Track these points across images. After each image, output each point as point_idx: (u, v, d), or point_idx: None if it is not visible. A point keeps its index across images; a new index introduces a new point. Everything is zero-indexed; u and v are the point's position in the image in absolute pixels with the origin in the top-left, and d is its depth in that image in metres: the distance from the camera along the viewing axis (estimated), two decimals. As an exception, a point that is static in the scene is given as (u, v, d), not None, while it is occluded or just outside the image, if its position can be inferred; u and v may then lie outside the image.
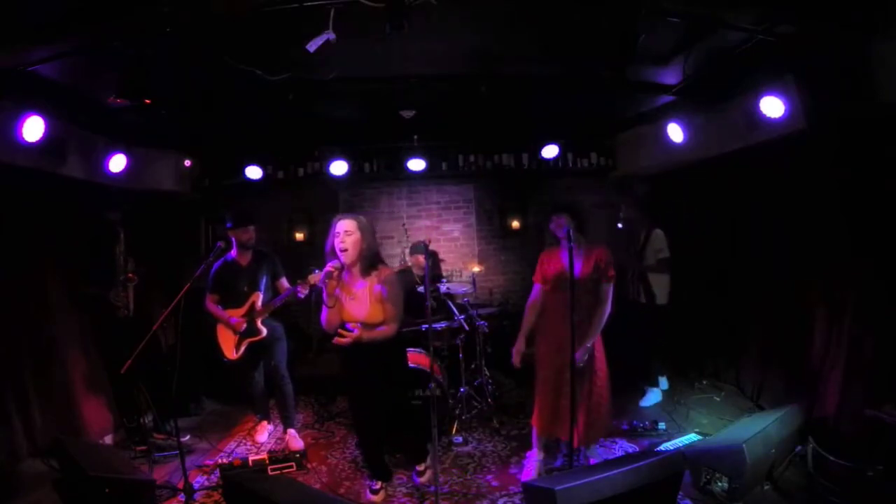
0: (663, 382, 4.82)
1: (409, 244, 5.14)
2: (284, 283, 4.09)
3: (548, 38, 3.45)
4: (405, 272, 4.81)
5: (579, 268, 3.19)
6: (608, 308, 3.20)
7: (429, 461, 3.30)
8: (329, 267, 2.93)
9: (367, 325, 2.99)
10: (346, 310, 3.04)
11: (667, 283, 4.71)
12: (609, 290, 3.21)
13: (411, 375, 3.76)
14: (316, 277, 3.57)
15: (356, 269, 3.03)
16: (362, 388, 3.17)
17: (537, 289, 3.41)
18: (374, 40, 3.01)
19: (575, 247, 3.08)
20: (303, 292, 3.67)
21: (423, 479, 3.37)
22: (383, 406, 3.14)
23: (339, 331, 2.93)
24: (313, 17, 2.75)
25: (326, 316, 3.06)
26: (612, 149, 5.92)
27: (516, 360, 3.36)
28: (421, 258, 4.76)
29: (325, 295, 3.01)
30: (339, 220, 3.01)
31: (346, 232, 2.96)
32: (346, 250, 2.94)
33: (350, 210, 6.20)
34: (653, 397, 4.68)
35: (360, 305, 3.01)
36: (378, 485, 3.27)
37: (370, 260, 3.01)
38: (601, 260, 3.22)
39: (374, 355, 3.01)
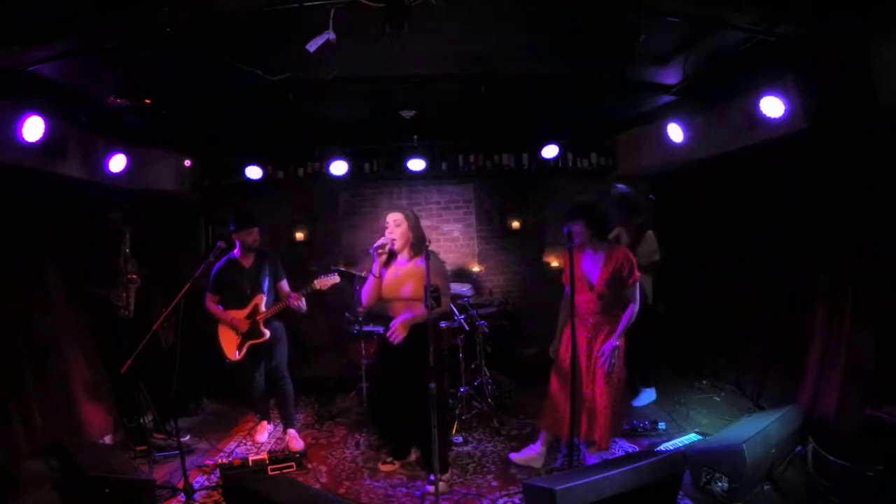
0: (651, 394, 4.79)
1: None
2: (285, 285, 4.08)
3: (548, 38, 3.46)
4: None
5: (598, 273, 3.22)
6: (636, 307, 3.23)
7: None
8: (382, 239, 3.27)
9: (405, 301, 3.26)
10: (389, 288, 3.32)
11: (651, 283, 4.73)
12: (635, 290, 3.22)
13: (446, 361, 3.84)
14: (322, 282, 3.76)
15: (404, 254, 3.34)
16: (399, 374, 3.33)
17: (567, 290, 3.40)
18: (374, 40, 3.01)
19: (591, 252, 3.20)
20: (294, 303, 3.75)
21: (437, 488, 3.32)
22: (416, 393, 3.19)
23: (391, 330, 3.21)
24: (313, 17, 2.76)
25: (369, 287, 3.35)
26: (612, 149, 5.91)
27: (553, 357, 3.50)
28: None
29: (375, 266, 3.32)
30: (389, 213, 3.35)
31: (394, 223, 3.30)
32: (394, 239, 3.28)
33: (350, 210, 6.25)
34: (646, 397, 4.69)
35: (405, 283, 3.27)
36: (391, 458, 3.61)
37: (416, 246, 3.31)
38: (622, 265, 3.18)
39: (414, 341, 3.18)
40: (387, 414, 3.59)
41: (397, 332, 3.19)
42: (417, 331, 3.20)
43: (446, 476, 3.36)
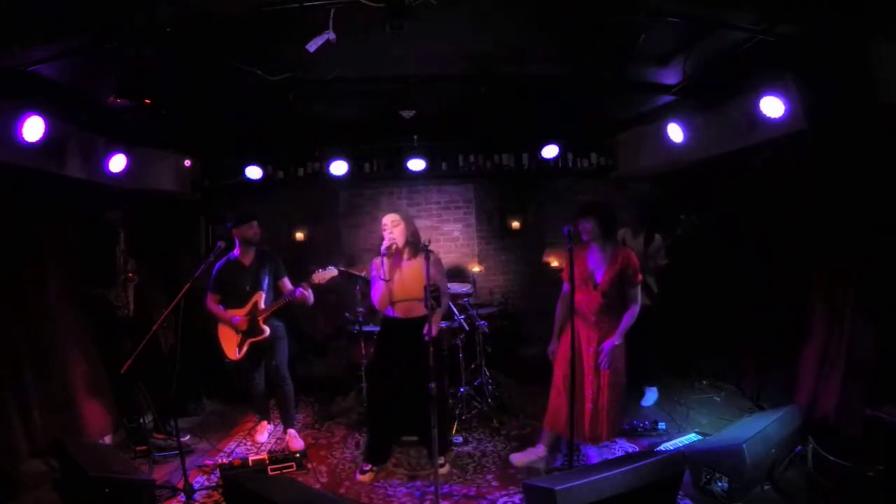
0: (654, 392, 4.79)
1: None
2: (287, 283, 4.08)
3: (548, 38, 3.45)
4: None
5: (603, 271, 3.24)
6: (637, 307, 3.26)
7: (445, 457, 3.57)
8: (388, 241, 3.35)
9: (412, 302, 3.38)
10: (397, 289, 3.42)
11: (655, 285, 4.76)
12: (638, 291, 3.27)
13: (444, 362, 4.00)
14: (321, 276, 3.74)
15: (403, 253, 3.45)
16: (393, 373, 3.43)
17: (566, 288, 3.39)
18: (375, 40, 3.01)
19: (599, 249, 3.24)
20: (302, 292, 3.74)
21: (442, 471, 3.49)
22: (409, 393, 3.32)
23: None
24: (313, 17, 2.76)
25: (381, 291, 3.41)
26: (612, 149, 5.90)
27: (552, 357, 3.48)
28: None
29: (384, 270, 3.35)
30: (384, 215, 3.46)
31: (392, 223, 3.41)
32: (395, 239, 3.38)
33: (350, 210, 6.25)
34: (652, 395, 4.69)
35: (415, 283, 3.31)
36: (369, 466, 3.53)
37: (414, 245, 3.44)
38: (627, 265, 3.23)
39: (412, 341, 3.27)
40: (383, 415, 3.57)
41: (432, 329, 3.11)
42: (416, 331, 3.24)
43: (449, 457, 3.61)
